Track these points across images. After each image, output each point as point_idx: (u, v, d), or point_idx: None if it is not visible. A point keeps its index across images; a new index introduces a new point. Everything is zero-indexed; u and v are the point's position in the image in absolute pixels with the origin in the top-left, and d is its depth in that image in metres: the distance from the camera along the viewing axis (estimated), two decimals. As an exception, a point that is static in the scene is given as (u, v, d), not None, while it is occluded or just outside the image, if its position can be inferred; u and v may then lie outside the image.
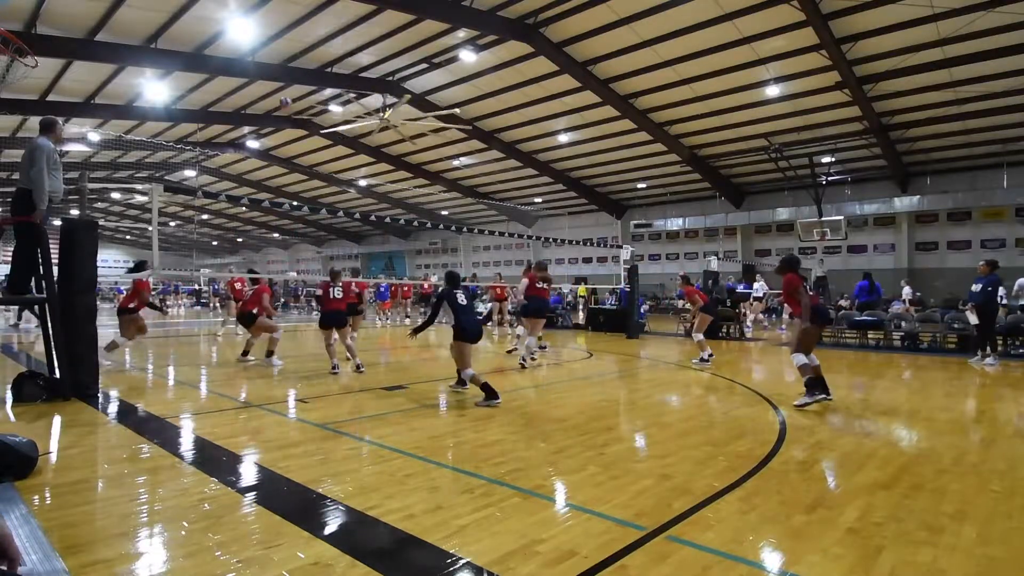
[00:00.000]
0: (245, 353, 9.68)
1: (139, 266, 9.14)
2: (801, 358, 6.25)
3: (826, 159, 19.37)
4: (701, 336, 10.22)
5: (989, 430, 5.45)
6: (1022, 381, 8.55)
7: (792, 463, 4.25)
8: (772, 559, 2.75)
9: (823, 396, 6.16)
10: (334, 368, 8.35)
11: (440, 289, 6.73)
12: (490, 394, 6.19)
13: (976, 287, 10.07)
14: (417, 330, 6.74)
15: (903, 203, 21.15)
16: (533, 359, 9.78)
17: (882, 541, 2.92)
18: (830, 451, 4.61)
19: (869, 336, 13.14)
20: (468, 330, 6.36)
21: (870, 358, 11.04)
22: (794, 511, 3.30)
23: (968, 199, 20.04)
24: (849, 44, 14.16)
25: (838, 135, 18.48)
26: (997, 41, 13.35)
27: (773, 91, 16.72)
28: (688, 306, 10.91)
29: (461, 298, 6.49)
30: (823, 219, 20.10)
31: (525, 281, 10.08)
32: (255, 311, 9.44)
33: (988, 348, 9.97)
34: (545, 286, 10.03)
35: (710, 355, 9.94)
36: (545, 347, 11.34)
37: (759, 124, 19.00)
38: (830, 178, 20.20)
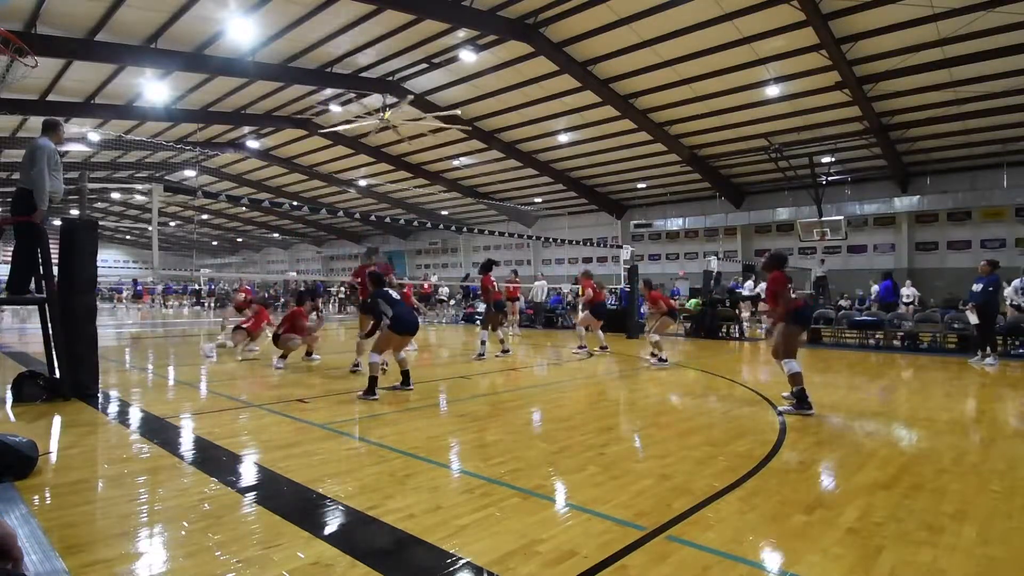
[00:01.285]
0: (308, 353, 9.93)
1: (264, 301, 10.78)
2: (794, 365, 5.94)
3: (826, 159, 19.38)
4: (657, 337, 9.69)
5: (989, 430, 5.44)
6: (1022, 381, 8.55)
7: (792, 463, 4.25)
8: (772, 559, 2.75)
9: (809, 411, 5.79)
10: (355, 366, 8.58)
11: (373, 292, 6.94)
12: (370, 390, 6.44)
13: (977, 287, 10.08)
14: (367, 335, 7.26)
15: (903, 203, 21.15)
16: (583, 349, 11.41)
17: (882, 541, 2.92)
18: (830, 451, 4.61)
19: (875, 336, 13.13)
20: (403, 320, 6.64)
21: (870, 358, 11.04)
22: (794, 511, 3.31)
23: (968, 199, 20.05)
24: (849, 44, 14.17)
25: (838, 135, 18.48)
26: (997, 41, 13.36)
27: (773, 91, 16.73)
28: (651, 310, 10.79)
29: (394, 294, 6.86)
30: (823, 219, 20.11)
31: (589, 292, 11.67)
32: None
33: (988, 348, 9.96)
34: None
35: (665, 358, 9.52)
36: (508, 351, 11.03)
37: (759, 124, 19.00)
38: (830, 178, 20.21)
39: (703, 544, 2.86)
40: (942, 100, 16.24)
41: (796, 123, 18.47)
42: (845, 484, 3.82)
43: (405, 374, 7.01)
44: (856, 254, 22.95)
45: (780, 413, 5.88)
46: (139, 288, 37.03)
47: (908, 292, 17.06)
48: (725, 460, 4.28)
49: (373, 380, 6.52)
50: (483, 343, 10.29)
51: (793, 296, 6.22)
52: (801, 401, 5.88)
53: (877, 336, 12.96)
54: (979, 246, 20.52)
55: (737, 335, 15.09)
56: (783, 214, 23.35)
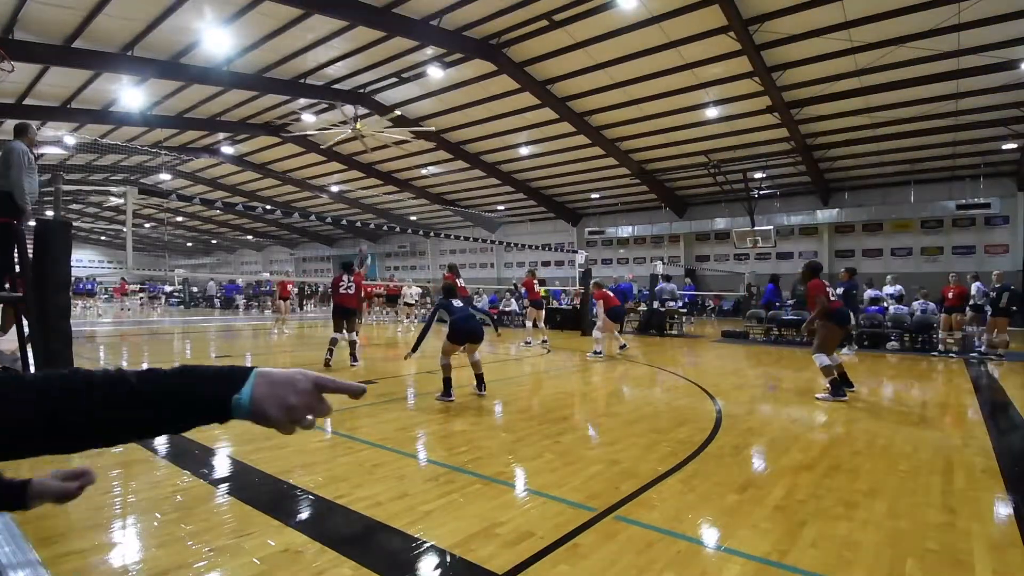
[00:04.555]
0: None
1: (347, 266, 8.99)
2: (823, 359, 6.39)
3: (758, 175, 19.98)
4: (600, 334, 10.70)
5: (897, 416, 5.70)
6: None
7: (726, 448, 4.36)
8: (709, 535, 2.82)
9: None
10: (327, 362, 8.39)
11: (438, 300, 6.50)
12: (446, 391, 6.01)
13: (839, 290, 11.09)
14: (414, 348, 6.15)
15: (824, 215, 22.02)
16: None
17: (805, 516, 3.03)
18: (760, 437, 4.75)
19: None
20: (456, 329, 6.09)
21: (796, 353, 11.42)
22: (728, 491, 3.39)
23: (880, 212, 21.02)
24: (779, 72, 14.65)
25: (769, 153, 19.09)
26: (907, 73, 14.02)
27: (712, 112, 17.16)
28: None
29: (456, 303, 6.28)
30: (755, 228, 20.73)
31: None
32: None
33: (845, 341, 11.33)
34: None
35: (600, 351, 10.51)
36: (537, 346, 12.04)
37: (700, 142, 19.46)
38: (762, 192, 20.84)
39: (648, 523, 2.91)
40: (859, 124, 16.96)
41: (732, 142, 18.98)
42: (772, 466, 3.95)
43: (447, 382, 6.12)
44: (784, 260, 23.75)
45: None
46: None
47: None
48: (668, 446, 4.37)
49: (448, 382, 6.07)
50: (544, 341, 11.67)
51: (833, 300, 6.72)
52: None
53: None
54: (889, 254, 21.53)
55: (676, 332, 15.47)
56: (721, 224, 23.96)
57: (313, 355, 9.99)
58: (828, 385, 6.35)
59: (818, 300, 6.47)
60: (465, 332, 6.14)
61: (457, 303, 6.31)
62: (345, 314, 8.53)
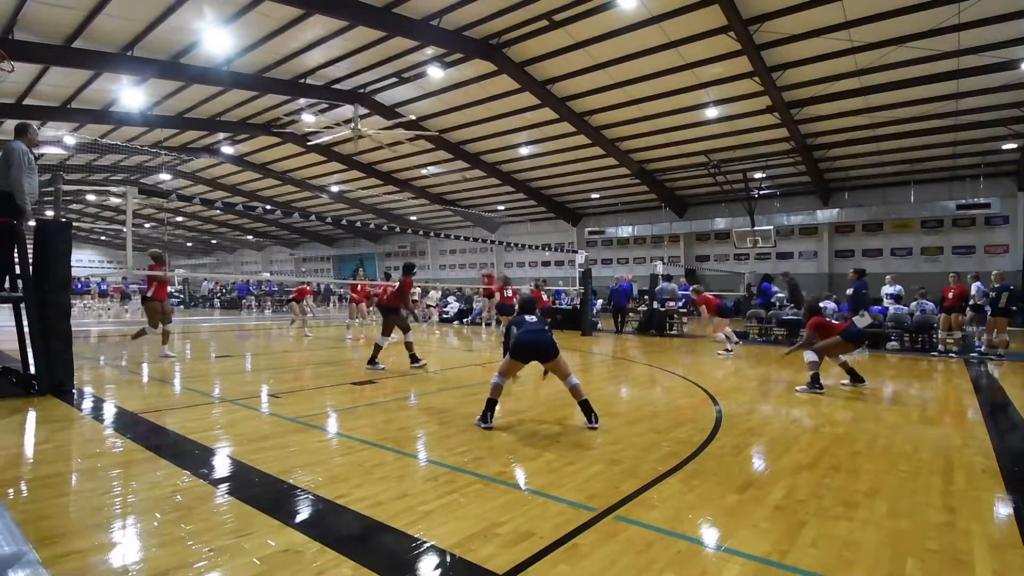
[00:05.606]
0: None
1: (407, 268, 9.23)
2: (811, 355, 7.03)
3: (758, 175, 19.99)
4: (721, 335, 11.05)
5: (897, 416, 5.70)
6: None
7: (727, 448, 4.36)
8: (709, 535, 2.82)
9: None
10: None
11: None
12: (484, 416, 4.97)
13: (849, 291, 11.16)
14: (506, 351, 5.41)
15: (824, 215, 22.03)
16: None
17: (805, 516, 3.03)
18: (760, 437, 4.74)
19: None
20: (519, 343, 5.11)
21: (795, 353, 11.38)
22: (728, 491, 3.39)
23: (880, 212, 21.02)
24: (779, 72, 14.65)
25: (769, 153, 19.09)
26: (907, 72, 14.03)
27: (712, 112, 17.16)
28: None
29: (530, 318, 5.33)
30: (755, 228, 20.74)
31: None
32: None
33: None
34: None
35: (731, 348, 10.80)
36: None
37: (700, 142, 19.47)
38: (762, 192, 20.85)
39: (648, 523, 2.91)
40: (859, 124, 16.96)
41: (732, 142, 18.98)
42: (773, 466, 3.95)
43: (490, 403, 5.04)
44: (784, 260, 23.75)
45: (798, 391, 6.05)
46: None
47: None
48: (668, 446, 4.37)
49: (492, 404, 5.03)
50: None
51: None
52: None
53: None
54: (889, 254, 21.53)
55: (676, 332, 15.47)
56: (721, 224, 23.97)
57: (315, 355, 9.98)
58: (808, 378, 6.90)
59: (815, 336, 7.14)
60: (528, 346, 5.07)
61: (531, 318, 5.31)
62: (385, 312, 8.81)
